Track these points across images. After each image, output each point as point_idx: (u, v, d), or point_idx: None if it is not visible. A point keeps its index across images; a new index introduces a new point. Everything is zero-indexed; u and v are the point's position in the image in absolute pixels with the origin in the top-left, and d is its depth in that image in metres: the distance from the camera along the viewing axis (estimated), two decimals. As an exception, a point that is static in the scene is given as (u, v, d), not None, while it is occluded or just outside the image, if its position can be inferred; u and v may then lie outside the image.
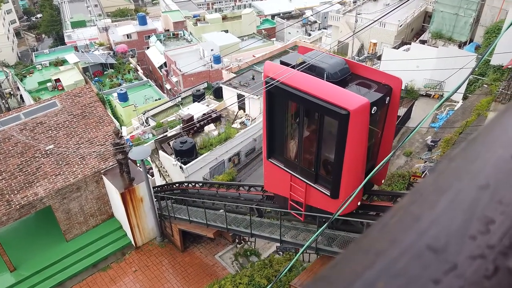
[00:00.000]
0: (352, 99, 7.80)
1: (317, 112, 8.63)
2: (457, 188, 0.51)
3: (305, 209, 9.99)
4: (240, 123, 25.45)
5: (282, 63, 9.33)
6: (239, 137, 23.66)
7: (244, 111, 26.27)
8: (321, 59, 8.80)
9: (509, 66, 12.91)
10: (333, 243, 10.31)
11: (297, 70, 8.67)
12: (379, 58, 27.31)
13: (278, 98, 9.16)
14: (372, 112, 7.92)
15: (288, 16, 60.17)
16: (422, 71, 23.30)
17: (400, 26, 32.17)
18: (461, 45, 29.84)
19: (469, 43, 29.67)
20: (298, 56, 9.28)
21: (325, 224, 6.97)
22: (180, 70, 40.01)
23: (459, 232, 0.47)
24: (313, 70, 8.64)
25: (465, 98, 23.30)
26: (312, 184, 9.25)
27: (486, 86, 22.35)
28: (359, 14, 30.61)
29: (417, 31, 35.79)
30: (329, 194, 8.98)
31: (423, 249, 0.46)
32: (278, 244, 12.55)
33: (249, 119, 25.53)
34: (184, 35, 51.02)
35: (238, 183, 16.01)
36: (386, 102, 8.39)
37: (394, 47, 29.77)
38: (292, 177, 9.78)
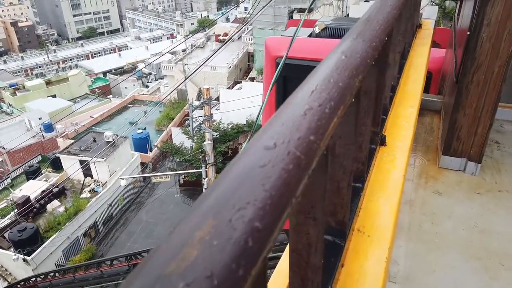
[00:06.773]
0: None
1: None
2: None
3: None
4: (90, 191, 23.18)
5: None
6: (91, 207, 21.48)
7: (92, 177, 24.10)
8: (342, 21, 6.75)
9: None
10: None
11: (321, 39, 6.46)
12: (217, 99, 28.80)
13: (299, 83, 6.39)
14: None
15: (120, 71, 58.91)
16: (257, 105, 25.54)
17: (230, 67, 34.89)
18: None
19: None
20: (294, 30, 6.70)
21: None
22: (3, 148, 34.67)
23: None
24: (341, 35, 6.44)
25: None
26: None
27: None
28: (185, 64, 31.87)
29: (245, 70, 39.31)
30: None
31: None
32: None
33: (99, 185, 23.48)
34: (1, 108, 44.90)
35: (99, 260, 14.32)
36: None
37: (229, 87, 31.95)
38: None
